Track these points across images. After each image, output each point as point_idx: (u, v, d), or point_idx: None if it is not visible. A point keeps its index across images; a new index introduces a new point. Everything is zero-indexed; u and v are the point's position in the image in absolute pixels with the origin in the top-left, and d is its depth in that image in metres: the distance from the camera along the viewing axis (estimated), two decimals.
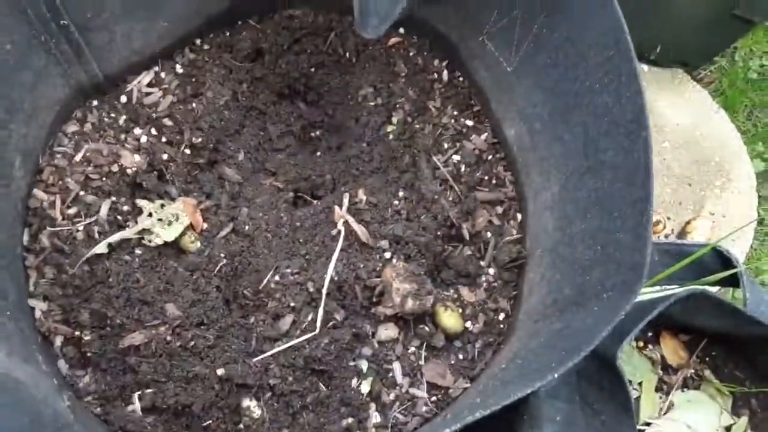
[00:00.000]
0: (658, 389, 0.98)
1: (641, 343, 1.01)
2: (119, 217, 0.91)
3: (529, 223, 0.91)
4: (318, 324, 0.84)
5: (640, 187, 0.59)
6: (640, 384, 0.94)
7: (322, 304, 0.85)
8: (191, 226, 0.93)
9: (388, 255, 0.90)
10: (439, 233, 0.93)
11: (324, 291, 0.86)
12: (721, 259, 0.88)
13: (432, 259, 0.91)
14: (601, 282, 0.65)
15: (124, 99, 0.98)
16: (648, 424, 0.95)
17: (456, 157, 0.99)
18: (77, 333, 0.83)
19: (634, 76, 0.62)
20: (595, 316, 0.61)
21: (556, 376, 0.54)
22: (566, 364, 0.54)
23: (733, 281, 0.87)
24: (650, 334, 0.99)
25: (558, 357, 0.58)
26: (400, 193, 0.97)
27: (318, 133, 1.09)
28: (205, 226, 0.94)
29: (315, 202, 0.99)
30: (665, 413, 0.95)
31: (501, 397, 0.56)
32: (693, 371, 0.96)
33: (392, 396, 0.83)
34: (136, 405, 0.79)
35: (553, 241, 0.81)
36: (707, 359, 0.98)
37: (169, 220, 0.92)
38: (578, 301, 0.69)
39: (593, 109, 0.71)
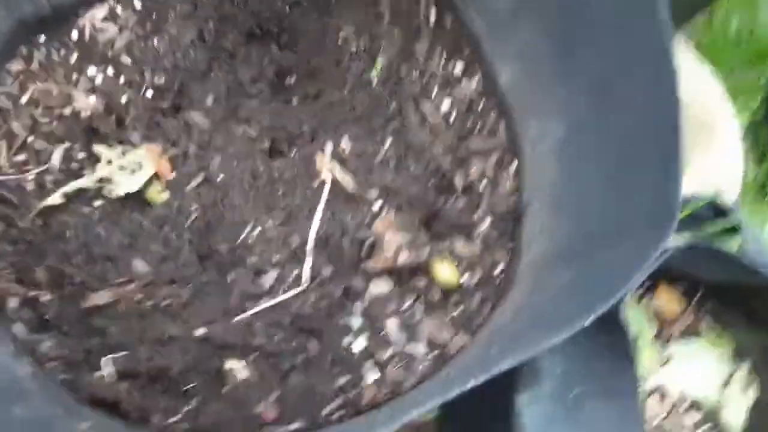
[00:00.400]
0: (655, 340, 0.96)
1: (638, 294, 0.98)
2: (74, 165, 0.82)
3: (525, 173, 0.86)
4: (304, 279, 0.78)
5: (667, 119, 0.55)
6: (638, 336, 0.92)
7: (308, 258, 0.79)
8: (156, 176, 0.84)
9: (377, 206, 0.84)
10: (430, 183, 0.87)
11: (310, 244, 0.79)
12: (716, 211, 0.87)
13: (424, 210, 0.85)
14: (618, 228, 0.61)
15: (75, 35, 0.87)
16: (648, 376, 0.93)
17: (445, 105, 0.93)
18: (33, 293, 0.74)
19: (661, 3, 0.57)
20: (618, 261, 0.57)
21: (586, 324, 0.50)
22: (596, 310, 0.51)
23: (729, 232, 0.86)
24: (647, 284, 0.97)
25: (581, 304, 0.55)
26: (387, 142, 0.91)
27: (293, 80, 1.00)
28: (173, 175, 0.85)
29: (293, 152, 0.92)
30: (664, 364, 0.94)
31: (524, 347, 0.51)
32: (690, 322, 0.95)
33: (387, 354, 0.78)
34: (106, 370, 0.71)
35: (557, 190, 0.77)
36: (704, 309, 0.96)
37: (131, 168, 0.83)
38: (589, 249, 0.66)
39: (607, 44, 0.66)
